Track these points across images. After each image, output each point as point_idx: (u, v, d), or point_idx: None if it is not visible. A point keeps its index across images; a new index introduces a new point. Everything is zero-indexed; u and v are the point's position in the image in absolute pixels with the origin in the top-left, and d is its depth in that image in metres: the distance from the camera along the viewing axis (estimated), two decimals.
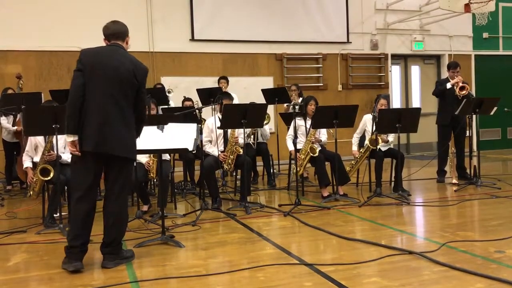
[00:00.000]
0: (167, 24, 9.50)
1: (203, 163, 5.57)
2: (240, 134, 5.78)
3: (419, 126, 6.01)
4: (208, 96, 6.85)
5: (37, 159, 5.07)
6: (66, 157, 4.82)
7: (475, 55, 11.84)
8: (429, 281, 3.04)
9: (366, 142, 6.28)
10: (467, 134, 6.96)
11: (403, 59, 11.66)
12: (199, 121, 5.69)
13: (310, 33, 10.40)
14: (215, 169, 5.62)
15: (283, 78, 10.25)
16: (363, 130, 6.59)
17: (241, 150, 5.63)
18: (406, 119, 5.81)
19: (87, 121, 3.36)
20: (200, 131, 5.13)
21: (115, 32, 3.59)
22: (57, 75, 8.86)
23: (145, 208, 5.38)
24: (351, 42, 10.75)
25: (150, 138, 4.02)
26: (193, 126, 4.19)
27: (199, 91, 7.24)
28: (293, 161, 6.15)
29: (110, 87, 3.41)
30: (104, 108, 3.38)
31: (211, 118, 5.87)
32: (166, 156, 5.59)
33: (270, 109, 7.93)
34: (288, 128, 6.64)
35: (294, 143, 6.10)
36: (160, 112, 6.64)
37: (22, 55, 8.69)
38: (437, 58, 11.83)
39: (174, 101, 7.85)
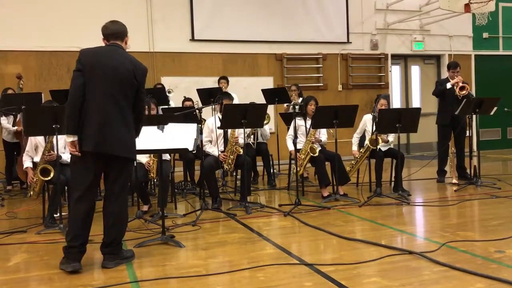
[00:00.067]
0: (167, 24, 9.50)
1: (203, 163, 5.57)
2: (240, 134, 5.78)
3: (419, 126, 6.01)
4: (208, 96, 6.85)
5: (37, 159, 5.07)
6: (66, 157, 4.82)
7: (475, 55, 11.85)
8: (429, 281, 3.04)
9: (366, 142, 6.28)
10: (467, 134, 6.96)
11: (403, 59, 11.66)
12: (199, 121, 5.70)
13: (310, 33, 10.40)
14: (215, 169, 5.62)
15: (283, 78, 10.25)
16: (363, 130, 6.59)
17: (241, 150, 5.64)
18: (406, 119, 5.81)
19: (87, 121, 3.36)
20: (200, 131, 5.13)
21: (114, 32, 3.58)
22: (57, 75, 8.86)
23: (145, 208, 5.38)
24: (351, 42, 10.75)
25: (150, 138, 4.02)
26: (193, 126, 4.19)
27: (199, 91, 7.24)
28: (293, 161, 6.15)
29: (109, 87, 3.40)
30: (104, 108, 3.38)
31: (211, 118, 5.87)
32: (166, 156, 5.59)
33: (270, 109, 7.92)
34: (288, 128, 6.65)
35: (294, 143, 6.10)
36: (160, 112, 6.64)
37: (22, 55, 8.69)
38: (437, 58, 11.83)
39: (174, 101, 7.85)
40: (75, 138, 3.35)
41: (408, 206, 5.45)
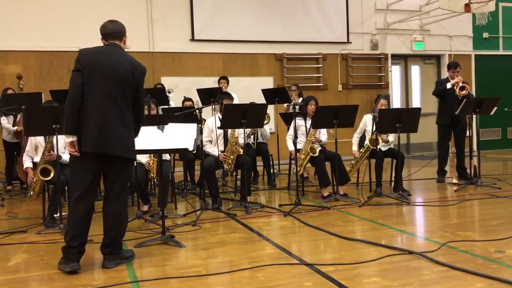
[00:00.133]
0: (167, 24, 9.50)
1: (203, 163, 5.57)
2: (240, 134, 5.78)
3: (419, 126, 6.01)
4: (208, 96, 6.85)
5: (37, 159, 5.07)
6: (66, 157, 4.81)
7: (475, 55, 11.84)
8: (429, 281, 3.04)
9: (366, 142, 6.28)
10: (467, 134, 6.96)
11: (403, 59, 11.66)
12: (199, 121, 5.70)
13: (310, 33, 10.40)
14: (215, 169, 5.62)
15: (283, 78, 10.25)
16: (363, 130, 6.59)
17: (241, 150, 5.64)
18: (406, 119, 5.81)
19: (86, 121, 3.35)
20: (200, 131, 5.13)
21: (113, 31, 3.58)
22: (57, 75, 8.86)
23: (145, 208, 5.38)
24: (351, 42, 10.75)
25: (151, 138, 4.02)
26: (193, 126, 4.19)
27: (199, 91, 7.24)
28: (293, 161, 6.15)
29: (108, 87, 3.40)
30: (103, 108, 3.38)
31: (211, 118, 5.87)
32: (167, 156, 5.59)
33: (270, 109, 7.93)
34: (288, 128, 6.65)
35: (294, 143, 6.10)
36: (160, 112, 6.64)
37: (22, 55, 8.69)
38: (437, 58, 11.83)
39: (174, 101, 7.85)
40: (74, 139, 3.35)
41: (408, 206, 5.45)
